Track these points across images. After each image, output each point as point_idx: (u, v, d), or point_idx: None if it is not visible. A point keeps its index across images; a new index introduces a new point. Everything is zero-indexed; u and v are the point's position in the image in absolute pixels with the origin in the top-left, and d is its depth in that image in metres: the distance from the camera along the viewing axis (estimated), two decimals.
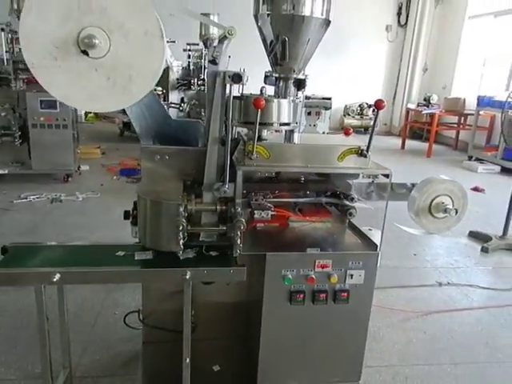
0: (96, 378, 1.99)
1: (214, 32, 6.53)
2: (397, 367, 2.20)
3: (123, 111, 5.69)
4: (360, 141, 1.66)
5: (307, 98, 6.75)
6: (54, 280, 1.45)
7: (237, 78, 1.41)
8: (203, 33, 6.37)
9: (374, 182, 1.80)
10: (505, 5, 8.32)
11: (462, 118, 8.88)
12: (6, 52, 4.51)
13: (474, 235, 4.08)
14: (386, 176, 1.60)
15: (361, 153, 1.58)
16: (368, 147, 1.56)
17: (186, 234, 1.50)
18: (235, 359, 1.94)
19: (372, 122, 1.71)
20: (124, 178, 5.42)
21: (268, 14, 1.45)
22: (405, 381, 2.10)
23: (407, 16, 10.58)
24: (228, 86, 1.46)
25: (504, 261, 3.63)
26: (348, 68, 10.41)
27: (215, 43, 1.63)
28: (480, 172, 7.02)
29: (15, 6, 4.68)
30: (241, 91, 1.53)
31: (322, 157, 1.57)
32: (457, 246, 3.89)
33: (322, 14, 1.44)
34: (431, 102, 9.11)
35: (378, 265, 1.80)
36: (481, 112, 7.96)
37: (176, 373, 1.72)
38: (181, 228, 1.43)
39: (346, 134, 1.88)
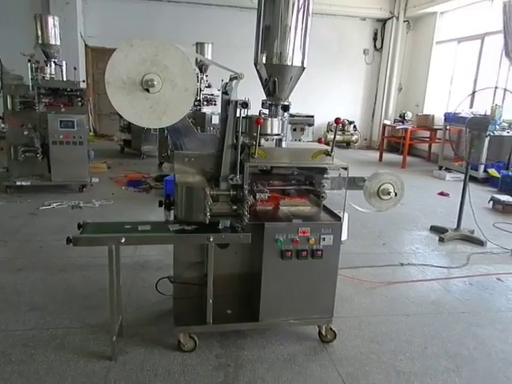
0: (138, 326, 2.65)
1: (209, 59, 7.35)
2: (362, 317, 2.91)
3: (122, 130, 6.64)
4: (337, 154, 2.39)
5: (292, 115, 7.58)
6: (122, 241, 2.15)
7: (245, 105, 2.16)
8: (199, 60, 7.17)
9: (340, 175, 2.54)
10: (466, 33, 9.36)
11: (433, 133, 9.79)
12: (31, 79, 5.20)
13: (434, 229, 4.85)
14: (345, 169, 2.34)
15: (328, 153, 2.32)
16: (332, 149, 2.30)
17: (209, 210, 2.21)
18: (243, 306, 2.63)
19: (333, 136, 2.45)
20: (131, 188, 6.11)
21: (264, 63, 2.21)
22: (368, 325, 2.81)
23: (382, 41, 11.60)
24: (238, 110, 2.20)
25: (457, 248, 4.39)
26: (330, 88, 11.33)
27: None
28: (448, 180, 7.87)
29: (40, 41, 5.40)
30: (246, 113, 2.27)
31: (301, 156, 2.32)
32: (419, 238, 4.65)
33: (299, 63, 2.21)
34: (406, 118, 10.05)
35: (344, 238, 2.53)
36: (448, 126, 8.86)
37: (199, 316, 2.41)
38: (209, 204, 2.15)
39: (319, 142, 2.63)
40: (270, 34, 2.19)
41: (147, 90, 2.08)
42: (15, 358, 2.29)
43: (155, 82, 2.03)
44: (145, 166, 7.68)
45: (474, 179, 7.51)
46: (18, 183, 5.44)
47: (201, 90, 7.24)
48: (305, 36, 2.22)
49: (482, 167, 7.60)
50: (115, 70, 2.02)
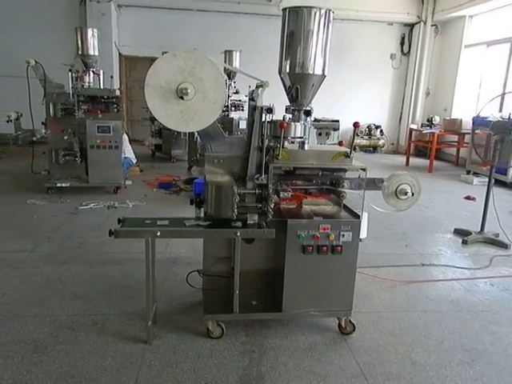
0: (170, 315, 2.87)
1: (237, 66, 7.61)
2: (382, 313, 3.03)
3: (153, 135, 6.95)
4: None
5: (317, 120, 7.72)
6: (158, 234, 2.37)
7: (269, 110, 2.35)
8: (227, 67, 7.43)
9: (360, 176, 2.69)
10: (495, 36, 9.27)
11: (460, 137, 9.71)
12: (71, 88, 5.56)
13: (458, 232, 4.89)
14: (364, 170, 2.50)
15: (347, 155, 2.49)
16: (351, 151, 2.46)
17: (236, 207, 2.41)
18: (267, 299, 2.80)
19: (352, 139, 2.60)
20: (162, 190, 6.40)
21: (287, 72, 2.40)
22: (387, 320, 2.93)
23: (409, 45, 11.59)
24: (263, 115, 2.40)
25: (480, 250, 4.43)
26: (357, 92, 11.40)
27: (254, 87, 2.57)
28: (475, 184, 7.80)
29: (80, 52, 5.78)
30: (271, 118, 2.46)
31: (322, 158, 2.49)
32: (442, 240, 4.71)
33: (320, 72, 2.39)
34: (433, 122, 10.02)
35: (364, 236, 2.67)
36: (477, 131, 8.78)
37: (227, 306, 2.61)
38: (236, 201, 2.35)
39: (340, 145, 2.79)
40: (292, 45, 2.38)
41: (181, 98, 2.30)
42: (62, 339, 2.54)
43: (189, 91, 2.25)
44: (175, 169, 7.99)
45: (502, 183, 7.44)
46: (59, 185, 5.82)
47: (229, 96, 7.51)
48: (325, 46, 2.40)
49: (510, 171, 7.50)
50: (156, 75, 2.25)
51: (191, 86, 2.24)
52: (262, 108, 2.39)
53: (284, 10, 2.39)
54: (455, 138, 9.95)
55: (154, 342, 2.54)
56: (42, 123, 5.83)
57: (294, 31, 2.35)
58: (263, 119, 2.42)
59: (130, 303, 2.98)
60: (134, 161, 6.94)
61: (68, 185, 5.85)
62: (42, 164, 6.14)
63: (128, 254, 3.76)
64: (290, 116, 2.58)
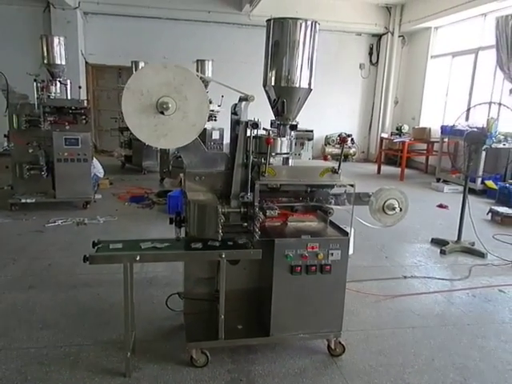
0: (150, 342, 2.68)
1: (210, 75, 7.49)
2: (369, 330, 2.96)
3: (122, 145, 6.73)
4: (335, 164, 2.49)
5: None
6: (137, 259, 2.21)
7: (255, 125, 2.24)
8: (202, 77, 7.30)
9: (346, 192, 2.61)
10: (460, 47, 9.57)
11: (430, 145, 9.92)
12: (37, 98, 5.28)
13: (436, 241, 4.91)
14: (352, 186, 2.42)
15: (334, 171, 2.40)
16: (339, 167, 2.39)
17: (221, 227, 2.28)
18: (253, 322, 2.67)
19: (340, 151, 2.54)
20: (134, 204, 6.16)
21: (273, 85, 2.30)
22: (375, 338, 2.86)
23: (378, 55, 11.81)
24: (248, 130, 2.28)
25: (458, 260, 4.46)
26: (327, 102, 11.46)
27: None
28: (446, 192, 7.96)
29: (45, 61, 5.51)
30: (255, 133, 2.34)
31: (309, 174, 2.40)
32: (421, 250, 4.71)
33: (307, 85, 2.30)
34: (403, 131, 10.20)
35: (351, 252, 2.60)
36: (445, 139, 9.00)
37: (211, 332, 2.46)
38: (221, 222, 2.21)
39: (325, 159, 2.71)
40: (277, 58, 2.29)
41: (161, 112, 2.16)
42: (31, 375, 2.32)
43: (170, 106, 2.12)
44: (146, 181, 7.75)
45: (471, 191, 7.58)
46: (23, 201, 5.49)
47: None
48: (311, 59, 2.32)
49: (479, 179, 7.70)
50: (139, 80, 2.11)
51: (173, 101, 2.11)
52: (246, 123, 2.28)
53: (268, 21, 2.29)
54: (424, 146, 10.17)
55: (134, 374, 2.36)
56: (5, 135, 5.51)
57: (279, 43, 2.25)
58: (248, 134, 2.30)
59: (106, 331, 2.77)
60: (101, 174, 6.67)
61: (33, 200, 5.53)
62: (4, 179, 5.79)
63: (101, 275, 3.53)
64: (274, 130, 2.48)
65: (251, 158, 2.28)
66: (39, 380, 2.28)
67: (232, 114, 2.47)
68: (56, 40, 5.54)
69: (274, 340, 2.55)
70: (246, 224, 2.38)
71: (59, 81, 5.67)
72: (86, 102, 5.85)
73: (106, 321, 2.89)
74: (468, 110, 7.09)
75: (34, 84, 5.26)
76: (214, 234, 2.28)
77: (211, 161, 2.55)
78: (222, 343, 2.42)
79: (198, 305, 2.68)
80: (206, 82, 7.38)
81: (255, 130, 2.28)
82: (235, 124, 2.43)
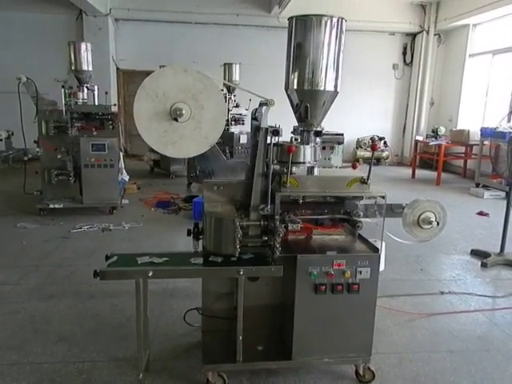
0: (165, 359, 2.55)
1: (237, 79, 7.37)
2: (402, 354, 2.71)
3: (152, 150, 6.59)
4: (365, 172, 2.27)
5: None
6: (150, 275, 2.08)
7: (276, 132, 2.06)
8: (227, 80, 7.20)
9: (376, 203, 2.39)
10: (501, 44, 9.05)
11: (468, 148, 9.42)
12: (65, 104, 5.31)
13: (476, 253, 4.57)
14: (382, 197, 2.20)
15: (363, 181, 2.19)
16: (368, 177, 2.17)
17: (239, 242, 2.11)
18: (274, 341, 2.49)
19: (371, 156, 2.33)
20: (160, 209, 6.11)
21: (295, 89, 2.12)
22: (409, 363, 2.61)
23: (412, 55, 11.38)
24: (269, 137, 2.11)
25: (501, 274, 4.11)
26: (359, 104, 11.14)
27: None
28: (486, 198, 7.50)
29: (73, 68, 5.54)
30: (276, 140, 2.17)
31: (336, 185, 2.19)
32: (459, 262, 4.39)
33: (332, 88, 2.11)
34: (439, 133, 9.74)
35: (382, 268, 2.37)
36: (485, 142, 8.50)
37: (229, 353, 2.29)
38: (239, 236, 2.05)
39: (354, 167, 2.49)
40: (300, 59, 2.10)
41: (175, 119, 2.03)
42: None
43: (184, 113, 1.98)
44: (174, 186, 7.70)
45: None
46: (51, 206, 5.53)
47: (229, 110, 7.26)
48: (337, 59, 2.12)
49: None
50: (156, 81, 2.00)
51: (188, 109, 1.97)
52: (266, 129, 2.11)
53: (290, 19, 2.11)
54: (462, 149, 9.68)
55: None
56: (35, 141, 5.56)
57: (302, 43, 2.07)
58: (268, 141, 2.13)
59: (121, 346, 2.66)
60: (127, 178, 6.65)
61: (61, 206, 5.56)
62: (34, 184, 5.86)
63: (121, 285, 3.41)
64: (298, 137, 2.29)
65: (271, 167, 2.11)
66: None
67: (252, 119, 2.31)
68: (83, 46, 5.55)
69: (296, 364, 2.35)
70: (266, 238, 2.20)
71: (86, 87, 5.68)
72: (113, 107, 5.84)
73: (123, 335, 2.79)
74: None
75: (62, 90, 5.29)
76: (231, 249, 2.12)
77: (230, 170, 2.41)
78: (239, 366, 2.25)
79: (216, 322, 2.53)
80: (232, 87, 7.30)
81: (276, 137, 2.10)
82: (255, 130, 2.27)
